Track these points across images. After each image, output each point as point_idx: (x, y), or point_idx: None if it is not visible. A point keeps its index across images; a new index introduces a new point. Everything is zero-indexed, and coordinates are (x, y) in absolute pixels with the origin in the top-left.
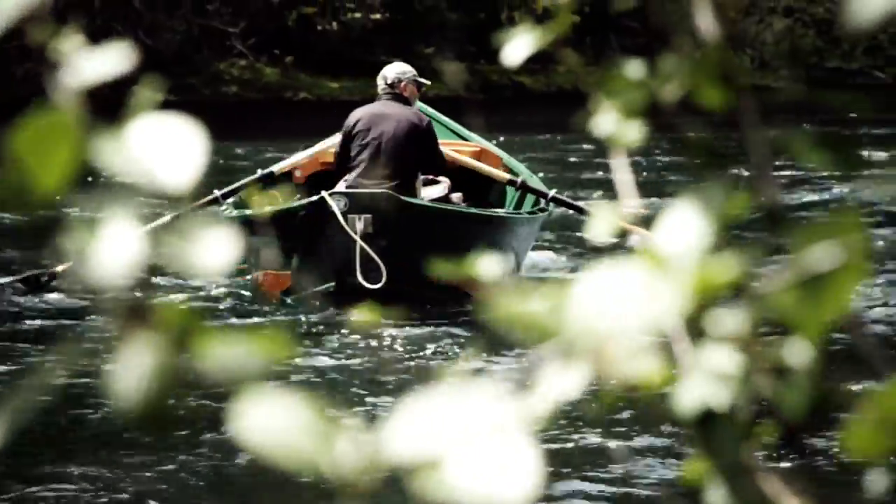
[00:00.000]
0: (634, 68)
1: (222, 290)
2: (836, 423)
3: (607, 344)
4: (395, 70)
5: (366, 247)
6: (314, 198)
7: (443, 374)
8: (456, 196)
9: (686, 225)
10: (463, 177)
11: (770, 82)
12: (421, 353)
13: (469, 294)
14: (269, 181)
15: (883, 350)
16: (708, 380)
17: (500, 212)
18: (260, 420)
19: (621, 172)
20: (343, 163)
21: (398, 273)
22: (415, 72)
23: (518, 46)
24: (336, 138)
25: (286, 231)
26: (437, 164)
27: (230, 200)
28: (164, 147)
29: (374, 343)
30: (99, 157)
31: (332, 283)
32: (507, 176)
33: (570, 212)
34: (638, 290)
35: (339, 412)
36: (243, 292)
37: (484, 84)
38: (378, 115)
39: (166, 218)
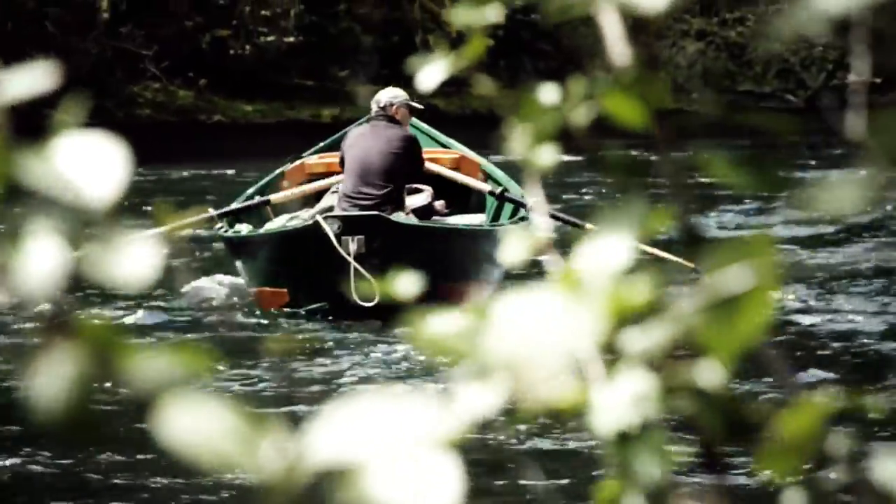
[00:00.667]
0: (547, 92)
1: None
2: (752, 442)
3: (524, 367)
4: (388, 95)
5: (359, 267)
6: (309, 221)
7: (366, 388)
8: (438, 204)
9: (602, 246)
10: (445, 184)
11: (684, 105)
12: (343, 373)
13: (458, 306)
14: (265, 205)
15: (794, 370)
16: (623, 400)
17: (483, 226)
18: (184, 424)
19: (535, 195)
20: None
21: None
22: (407, 96)
23: (432, 71)
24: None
25: (283, 251)
26: (421, 175)
27: (226, 220)
28: (88, 164)
29: (304, 362)
30: (23, 173)
31: (327, 302)
32: (487, 187)
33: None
34: (553, 313)
35: (263, 419)
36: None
37: None
38: (368, 135)
39: (157, 230)
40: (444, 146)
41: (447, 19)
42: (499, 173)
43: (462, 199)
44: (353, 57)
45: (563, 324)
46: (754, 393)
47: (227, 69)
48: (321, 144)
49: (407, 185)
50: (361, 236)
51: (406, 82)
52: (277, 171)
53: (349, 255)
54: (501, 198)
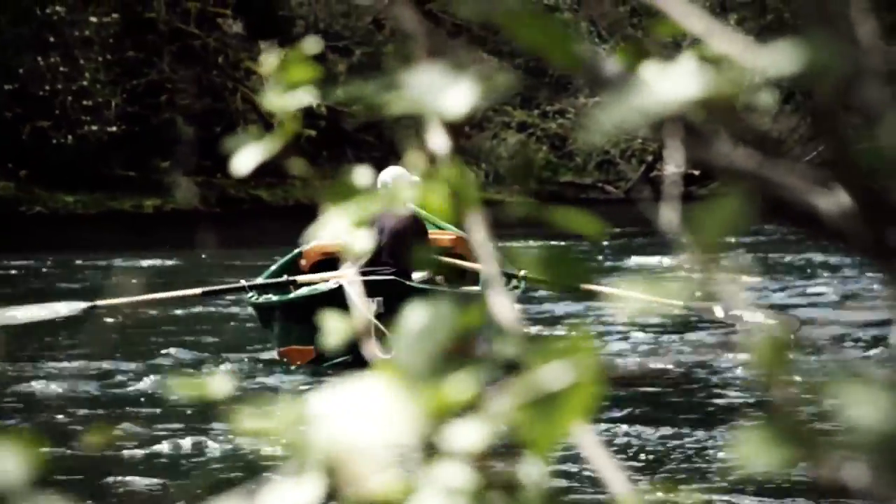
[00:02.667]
0: (362, 176)
1: None
2: None
3: (344, 458)
4: (391, 173)
5: (379, 324)
6: (333, 285)
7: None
8: (438, 278)
9: (419, 338)
10: (442, 263)
11: (505, 197)
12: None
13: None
14: (290, 283)
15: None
16: (442, 495)
17: (481, 291)
18: None
19: (351, 283)
20: (377, 256)
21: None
22: (407, 173)
23: (246, 156)
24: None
25: (310, 312)
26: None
27: (255, 291)
28: None
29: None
30: None
31: (350, 356)
32: (480, 266)
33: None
34: (374, 406)
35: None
36: None
37: (221, 198)
38: (380, 215)
39: (196, 291)
40: (441, 229)
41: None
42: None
43: (460, 274)
44: (175, 147)
45: (382, 416)
46: (576, 488)
47: (47, 160)
48: None
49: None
50: (380, 298)
51: (228, 172)
52: (296, 250)
53: (370, 314)
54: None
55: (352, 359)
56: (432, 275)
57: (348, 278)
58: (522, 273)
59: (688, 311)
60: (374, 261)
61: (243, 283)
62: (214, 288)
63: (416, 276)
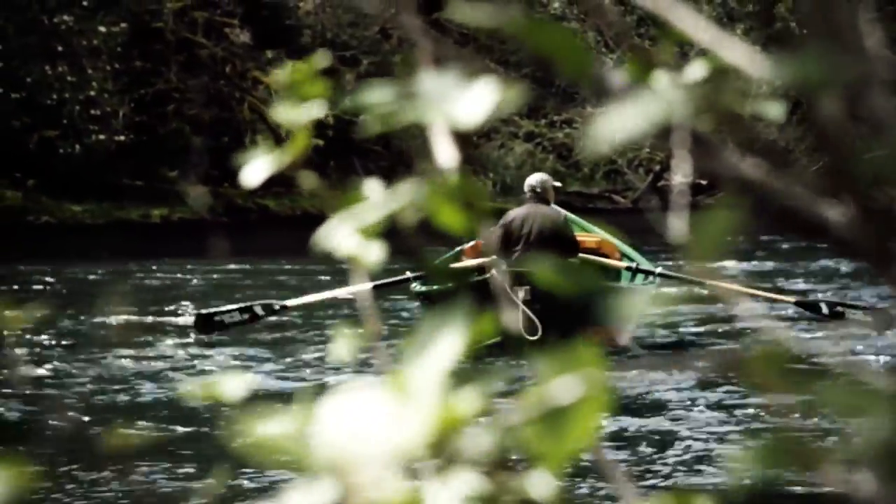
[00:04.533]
0: (372, 187)
1: None
2: None
3: (352, 469)
4: (537, 178)
5: (526, 310)
6: (487, 275)
7: None
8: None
9: (429, 352)
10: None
11: (512, 206)
12: None
13: (605, 345)
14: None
15: (630, 480)
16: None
17: (622, 284)
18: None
19: (361, 294)
20: (503, 248)
21: (549, 328)
22: (551, 178)
23: (256, 168)
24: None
25: (466, 300)
26: (572, 249)
27: (418, 281)
28: None
29: None
30: None
31: (500, 338)
32: (622, 264)
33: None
34: (382, 416)
35: None
36: None
37: (228, 207)
38: (529, 214)
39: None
40: (586, 231)
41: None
42: (633, 253)
43: (603, 272)
44: (183, 157)
45: (390, 425)
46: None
47: (55, 169)
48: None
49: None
50: (528, 287)
51: (236, 182)
52: (457, 248)
53: (518, 300)
54: (636, 270)
55: (502, 340)
56: None
57: (499, 269)
58: (658, 270)
59: (796, 308)
60: (524, 254)
61: (409, 274)
62: (384, 281)
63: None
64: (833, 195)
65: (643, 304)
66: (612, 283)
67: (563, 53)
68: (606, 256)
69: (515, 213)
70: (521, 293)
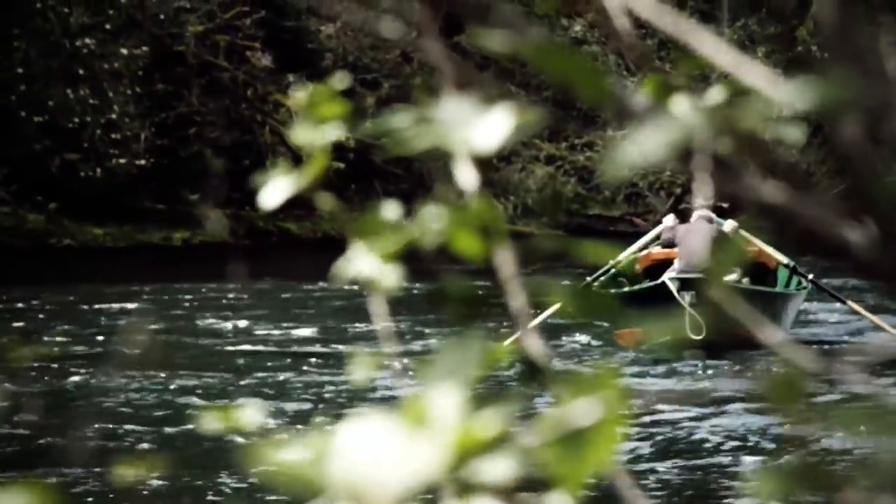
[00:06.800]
0: (391, 210)
1: None
2: None
3: (370, 495)
4: (701, 213)
5: (693, 312)
6: (658, 282)
7: None
8: (745, 280)
9: (445, 376)
10: (750, 268)
11: (534, 229)
12: None
13: (759, 344)
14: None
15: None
16: None
17: (780, 290)
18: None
19: (381, 318)
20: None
21: (713, 330)
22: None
23: (275, 189)
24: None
25: (641, 301)
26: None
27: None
28: None
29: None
30: None
31: (669, 337)
32: (784, 259)
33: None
34: (399, 443)
35: None
36: None
37: (249, 230)
38: (692, 228)
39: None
40: (747, 242)
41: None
42: (789, 261)
43: (761, 278)
44: (204, 180)
45: (407, 453)
46: None
47: (77, 193)
48: (647, 239)
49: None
50: (693, 291)
51: (255, 206)
52: (632, 258)
53: (685, 303)
54: (793, 270)
55: (671, 339)
56: (739, 277)
57: (669, 276)
58: (811, 276)
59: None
60: (688, 264)
61: (587, 279)
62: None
63: (726, 277)
64: (854, 218)
65: (796, 307)
66: (770, 288)
67: (579, 80)
68: (764, 265)
69: (682, 228)
70: (688, 297)
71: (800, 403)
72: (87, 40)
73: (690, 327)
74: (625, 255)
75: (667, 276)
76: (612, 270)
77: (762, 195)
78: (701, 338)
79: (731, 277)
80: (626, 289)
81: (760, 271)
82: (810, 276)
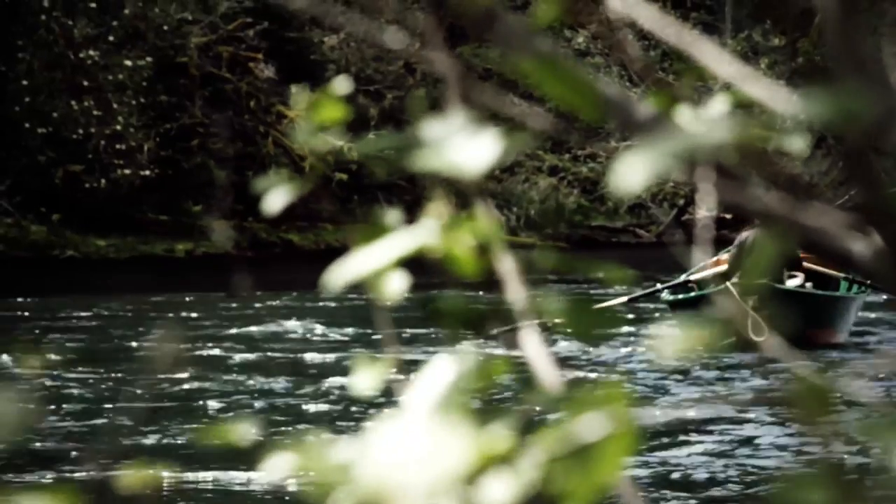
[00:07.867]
0: (392, 217)
1: None
2: None
3: (397, 496)
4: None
5: (755, 315)
6: (721, 287)
7: None
8: (808, 285)
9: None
10: (812, 274)
11: (536, 240)
12: None
13: (822, 345)
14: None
15: None
16: None
17: (841, 293)
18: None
19: (383, 325)
20: (737, 265)
21: (775, 331)
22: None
23: (276, 196)
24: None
25: (705, 306)
26: (795, 264)
27: (667, 291)
28: None
29: None
30: None
31: (734, 338)
32: (841, 274)
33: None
34: (424, 448)
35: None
36: None
37: (253, 241)
38: (748, 234)
39: (622, 299)
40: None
41: (300, 153)
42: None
43: (824, 283)
44: (207, 191)
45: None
46: None
47: (80, 204)
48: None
49: (788, 272)
50: (755, 296)
51: (260, 216)
52: (702, 263)
53: (748, 307)
54: (853, 280)
55: (735, 340)
56: (803, 282)
57: (731, 281)
58: (869, 281)
59: None
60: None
61: (659, 286)
62: (640, 293)
63: (792, 282)
64: (858, 229)
65: (856, 310)
66: (833, 292)
67: (577, 97)
68: (827, 272)
69: (748, 234)
70: (750, 301)
71: (825, 415)
72: (91, 52)
73: (752, 330)
74: (696, 269)
75: (731, 283)
76: (682, 277)
77: (766, 206)
78: (762, 339)
79: (796, 282)
80: (693, 293)
81: (823, 277)
82: (868, 281)
